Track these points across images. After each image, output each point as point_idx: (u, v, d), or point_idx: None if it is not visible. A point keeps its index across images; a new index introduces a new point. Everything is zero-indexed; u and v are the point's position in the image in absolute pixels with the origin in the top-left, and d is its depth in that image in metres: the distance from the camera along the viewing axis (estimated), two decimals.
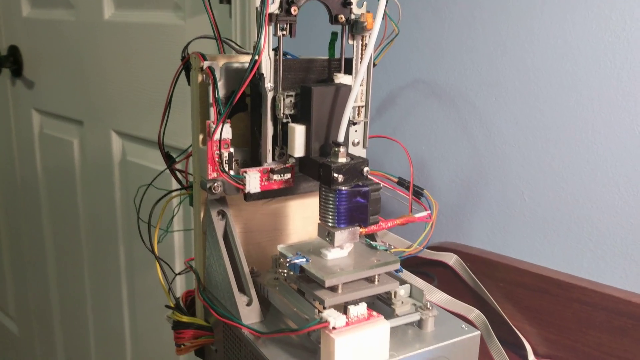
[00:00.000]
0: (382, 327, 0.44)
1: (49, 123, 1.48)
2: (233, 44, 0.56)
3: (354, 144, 0.54)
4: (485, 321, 0.63)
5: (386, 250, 0.52)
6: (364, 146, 0.55)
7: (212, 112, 0.49)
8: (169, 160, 0.60)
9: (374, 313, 0.45)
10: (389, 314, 0.50)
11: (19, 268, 1.76)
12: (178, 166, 0.61)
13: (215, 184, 0.52)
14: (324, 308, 0.45)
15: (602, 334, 0.61)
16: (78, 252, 1.45)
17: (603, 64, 0.59)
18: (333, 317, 0.43)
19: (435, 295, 0.65)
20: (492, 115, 0.67)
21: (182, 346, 0.56)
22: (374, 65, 0.69)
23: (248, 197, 0.52)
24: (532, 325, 0.66)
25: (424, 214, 0.56)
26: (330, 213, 0.47)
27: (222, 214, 0.54)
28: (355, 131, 0.53)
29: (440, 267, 0.72)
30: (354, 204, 0.47)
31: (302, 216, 0.60)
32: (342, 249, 0.50)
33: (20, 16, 1.46)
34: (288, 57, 0.53)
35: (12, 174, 1.66)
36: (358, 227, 0.48)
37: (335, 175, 0.45)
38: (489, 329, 0.62)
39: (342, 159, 0.46)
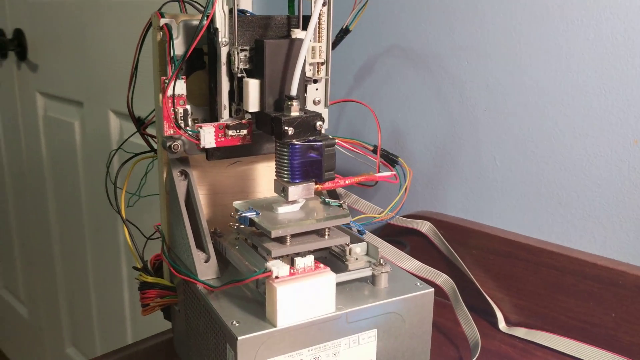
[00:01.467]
0: (327, 278, 0.45)
1: (52, 105, 1.51)
2: (197, 4, 0.56)
3: (315, 103, 0.54)
4: (453, 286, 0.63)
5: (339, 206, 0.52)
6: (325, 105, 0.55)
7: (168, 69, 0.49)
8: (138, 123, 0.61)
9: (321, 265, 0.45)
10: (343, 269, 0.50)
11: (27, 251, 1.79)
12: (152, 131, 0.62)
13: (175, 143, 0.52)
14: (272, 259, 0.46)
15: (569, 299, 0.61)
16: (80, 232, 1.47)
17: (571, 23, 0.59)
18: (277, 266, 0.43)
19: (405, 261, 0.65)
20: (464, 80, 0.67)
21: (147, 306, 0.57)
22: (349, 31, 0.69)
23: (209, 155, 0.53)
24: (503, 292, 0.66)
25: (387, 173, 0.56)
26: (285, 168, 0.47)
27: (185, 174, 0.55)
28: (317, 89, 0.54)
29: (414, 235, 0.72)
30: (307, 159, 0.47)
31: (269, 178, 0.60)
32: (293, 204, 0.50)
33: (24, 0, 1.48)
34: (247, 15, 0.53)
35: (19, 157, 1.69)
36: (313, 183, 0.48)
37: (286, 128, 0.45)
38: (457, 294, 0.62)
39: (294, 113, 0.46)
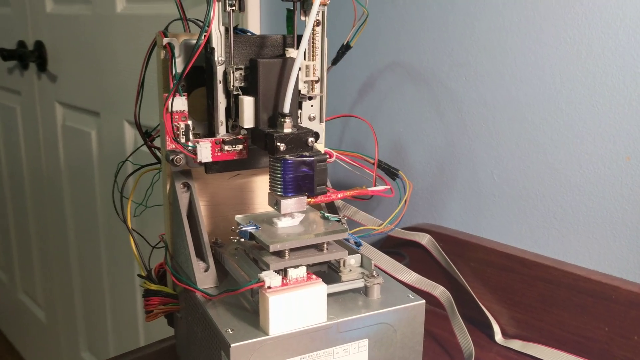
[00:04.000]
0: (318, 288, 0.46)
1: (70, 115, 1.55)
2: (200, 23, 0.58)
3: (310, 119, 0.56)
4: (449, 298, 0.64)
5: (338, 221, 0.54)
6: (320, 121, 0.57)
7: (170, 86, 0.52)
8: (145, 135, 0.63)
9: (313, 276, 0.47)
10: (337, 280, 0.52)
11: (45, 256, 1.84)
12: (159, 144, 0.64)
13: (178, 156, 0.55)
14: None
15: (564, 312, 0.61)
16: (95, 239, 1.51)
17: (564, 42, 0.60)
18: (269, 277, 0.45)
19: (402, 273, 0.66)
20: (463, 96, 0.69)
21: (151, 313, 0.59)
22: (349, 47, 0.71)
23: (208, 169, 0.55)
24: (500, 304, 0.67)
25: (381, 187, 0.57)
26: (278, 182, 0.49)
27: (187, 186, 0.57)
28: (312, 106, 0.55)
29: (414, 248, 0.73)
30: (300, 173, 0.49)
31: (268, 191, 0.62)
32: (293, 219, 0.52)
33: (45, 12, 1.53)
34: (248, 34, 0.56)
35: (39, 165, 1.73)
36: (305, 197, 0.50)
37: (278, 144, 0.47)
38: (453, 306, 0.63)
39: (287, 130, 0.48)
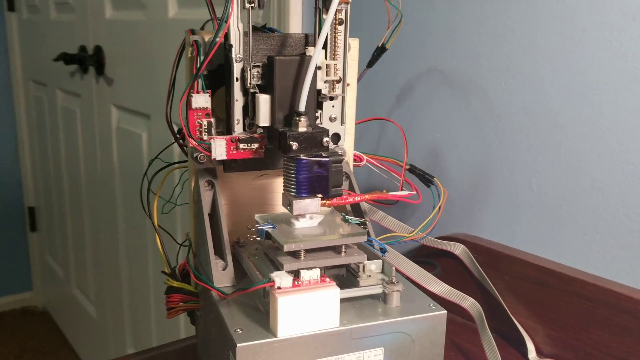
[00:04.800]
0: (331, 292, 0.45)
1: (123, 117, 1.59)
2: None
3: (331, 120, 0.55)
4: (480, 311, 0.61)
5: (359, 224, 0.52)
6: (342, 122, 0.55)
7: (195, 83, 0.52)
8: (176, 134, 0.64)
9: (327, 279, 0.46)
10: (353, 285, 0.50)
11: (97, 254, 1.89)
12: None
13: (201, 154, 0.55)
14: None
15: (603, 332, 0.57)
16: (143, 238, 1.54)
17: (610, 45, 0.56)
18: (280, 277, 0.44)
19: (431, 283, 0.64)
20: (502, 102, 0.66)
21: (172, 310, 0.59)
22: (385, 49, 0.70)
23: (226, 167, 0.55)
24: (535, 321, 0.64)
25: (405, 192, 0.56)
26: (291, 182, 0.48)
27: (211, 185, 0.57)
28: (333, 106, 0.54)
29: (447, 258, 0.71)
30: (314, 174, 0.48)
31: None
32: (311, 219, 0.51)
33: (104, 18, 1.58)
34: (275, 32, 0.55)
35: (94, 167, 1.79)
36: (319, 198, 0.49)
37: (291, 142, 0.46)
38: (483, 319, 0.61)
39: (302, 129, 0.47)
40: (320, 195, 0.49)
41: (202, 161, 0.55)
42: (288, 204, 0.49)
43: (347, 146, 0.62)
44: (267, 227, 0.50)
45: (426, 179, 0.70)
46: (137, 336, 1.72)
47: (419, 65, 0.75)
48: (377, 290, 0.49)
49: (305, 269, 0.45)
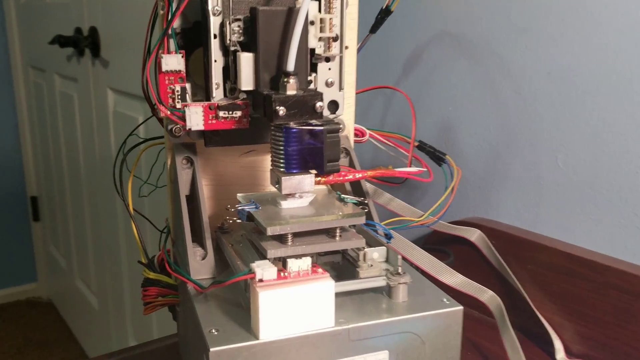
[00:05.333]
0: (323, 284, 0.38)
1: (120, 101, 1.53)
2: None
3: (327, 85, 0.47)
4: (500, 305, 0.54)
5: (357, 204, 0.45)
6: (339, 87, 0.48)
7: (165, 43, 0.44)
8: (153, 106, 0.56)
9: (320, 270, 0.38)
10: (352, 277, 0.43)
11: (99, 244, 1.84)
12: None
13: (177, 126, 0.48)
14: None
15: None
16: (142, 229, 1.47)
17: None
18: (262, 268, 0.37)
19: (444, 274, 0.56)
20: (522, 68, 0.58)
21: (149, 305, 0.52)
22: (390, 12, 0.62)
23: (207, 141, 0.48)
24: (564, 316, 0.56)
25: (414, 169, 0.48)
26: (280, 156, 0.41)
27: (189, 162, 0.50)
28: (329, 69, 0.47)
29: (462, 245, 0.63)
30: (306, 145, 0.41)
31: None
32: (301, 198, 0.43)
33: None
34: None
35: (92, 153, 1.73)
36: (312, 175, 0.41)
37: (277, 107, 0.39)
38: (505, 315, 0.53)
39: (291, 91, 0.40)
40: (314, 172, 0.41)
41: (177, 134, 0.48)
42: (276, 181, 0.41)
43: (347, 118, 0.55)
44: (249, 208, 0.43)
45: (437, 157, 0.63)
46: (138, 328, 1.66)
47: (429, 30, 0.67)
48: (381, 282, 0.42)
49: (293, 257, 0.38)
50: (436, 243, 0.65)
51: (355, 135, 0.58)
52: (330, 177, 0.42)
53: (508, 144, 0.61)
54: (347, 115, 0.55)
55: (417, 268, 0.55)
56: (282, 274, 0.37)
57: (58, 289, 2.37)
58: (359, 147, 0.58)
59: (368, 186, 0.58)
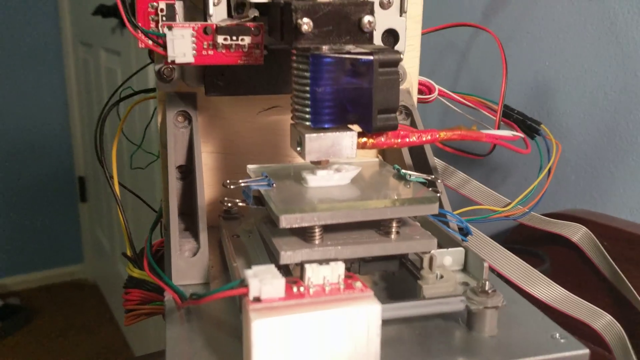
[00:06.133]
0: (363, 310, 0.23)
1: None
2: None
3: (382, 5, 0.32)
4: (621, 334, 0.44)
5: (425, 183, 0.30)
6: (401, 11, 0.32)
7: None
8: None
9: (358, 284, 0.23)
10: (411, 295, 0.28)
11: (139, 228, 1.75)
12: None
13: (168, 67, 0.34)
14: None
15: None
16: None
17: None
18: (260, 278, 0.22)
19: (540, 287, 0.42)
20: None
21: (130, 312, 0.39)
22: None
23: (208, 87, 0.34)
24: None
25: (507, 133, 0.32)
26: (304, 101, 0.26)
27: (186, 118, 0.36)
28: None
29: (559, 245, 0.49)
30: (345, 85, 0.26)
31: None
32: (339, 172, 0.29)
33: None
34: None
35: (133, 130, 1.64)
36: (354, 132, 0.27)
37: (300, 21, 0.24)
38: (628, 347, 0.43)
39: None
40: (356, 128, 0.26)
41: (168, 77, 0.34)
42: (298, 142, 0.27)
43: (410, 66, 0.41)
44: (258, 185, 0.28)
45: (529, 127, 0.50)
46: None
47: None
48: (457, 304, 0.27)
49: (317, 263, 0.23)
50: (524, 242, 0.51)
51: (420, 91, 0.43)
52: (383, 138, 0.27)
53: (628, 110, 0.45)
54: (409, 62, 0.40)
55: (501, 277, 0.40)
56: (294, 289, 0.23)
57: (102, 271, 2.34)
58: (422, 108, 0.43)
59: (437, 162, 0.42)
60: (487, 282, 0.27)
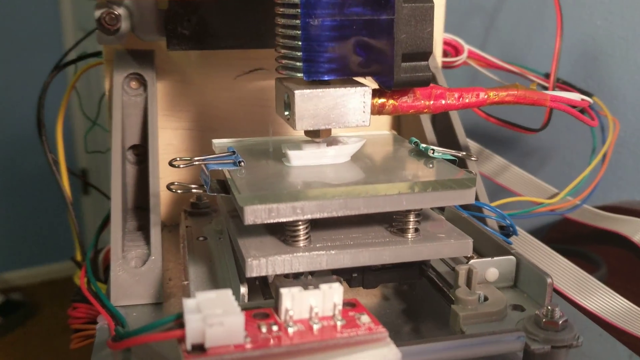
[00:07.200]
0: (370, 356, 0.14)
1: None
2: None
3: None
4: None
5: (454, 160, 0.21)
6: None
7: None
8: None
9: (364, 319, 0.15)
10: (440, 326, 0.19)
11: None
12: None
13: (112, 11, 0.26)
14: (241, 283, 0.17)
15: None
16: None
17: None
18: (204, 315, 0.13)
19: (596, 297, 0.33)
20: None
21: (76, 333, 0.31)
22: None
23: (170, 39, 0.27)
24: None
25: (575, 95, 0.23)
26: (294, 43, 0.18)
27: (141, 85, 0.27)
28: None
29: (616, 246, 0.42)
30: (354, 16, 0.18)
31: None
32: (335, 145, 0.20)
33: None
34: None
35: None
36: (368, 89, 0.18)
37: None
38: None
39: None
40: (371, 84, 0.18)
41: (112, 26, 0.26)
42: (286, 103, 0.19)
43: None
44: (220, 164, 0.20)
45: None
46: None
47: None
48: (512, 344, 0.18)
49: (299, 287, 0.15)
50: (573, 242, 0.42)
51: (445, 52, 0.34)
52: (409, 99, 0.18)
53: None
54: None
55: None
56: (263, 328, 0.14)
57: None
58: (450, 74, 0.34)
59: (470, 142, 0.33)
60: (556, 309, 0.19)
